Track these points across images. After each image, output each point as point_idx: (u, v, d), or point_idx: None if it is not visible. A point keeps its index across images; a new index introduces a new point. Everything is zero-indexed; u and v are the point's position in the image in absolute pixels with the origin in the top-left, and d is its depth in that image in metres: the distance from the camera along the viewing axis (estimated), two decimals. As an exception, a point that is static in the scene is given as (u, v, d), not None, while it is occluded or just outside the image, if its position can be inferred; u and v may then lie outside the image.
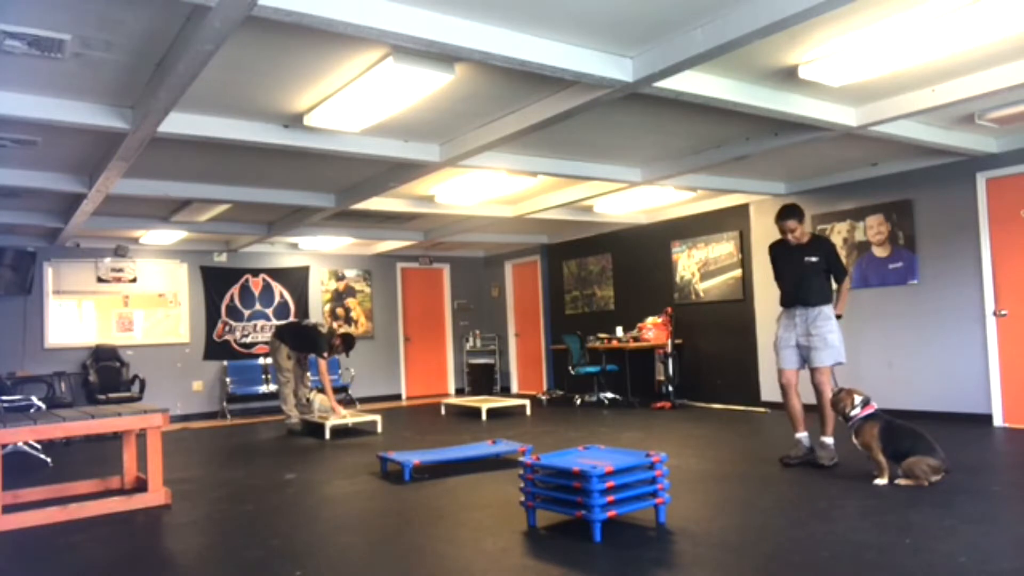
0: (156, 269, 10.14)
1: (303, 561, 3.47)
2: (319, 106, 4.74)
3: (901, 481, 4.41)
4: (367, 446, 6.97)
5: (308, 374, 8.49)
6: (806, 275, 5.19)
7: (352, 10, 3.29)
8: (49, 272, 9.38)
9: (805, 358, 5.20)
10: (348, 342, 8.37)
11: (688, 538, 3.59)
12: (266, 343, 10.51)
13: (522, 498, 3.91)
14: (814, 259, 5.20)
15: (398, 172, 6.40)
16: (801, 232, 5.27)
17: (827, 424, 5.10)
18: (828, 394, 5.06)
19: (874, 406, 4.66)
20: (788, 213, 5.23)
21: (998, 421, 6.57)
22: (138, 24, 3.51)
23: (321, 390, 8.28)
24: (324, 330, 8.28)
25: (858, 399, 4.66)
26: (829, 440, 5.09)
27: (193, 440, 8.07)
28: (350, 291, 11.76)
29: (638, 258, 10.20)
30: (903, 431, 4.52)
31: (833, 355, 5.12)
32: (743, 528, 3.75)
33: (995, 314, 6.60)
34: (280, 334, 8.34)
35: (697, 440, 6.55)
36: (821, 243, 5.33)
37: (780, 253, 5.37)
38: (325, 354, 8.05)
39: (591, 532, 3.56)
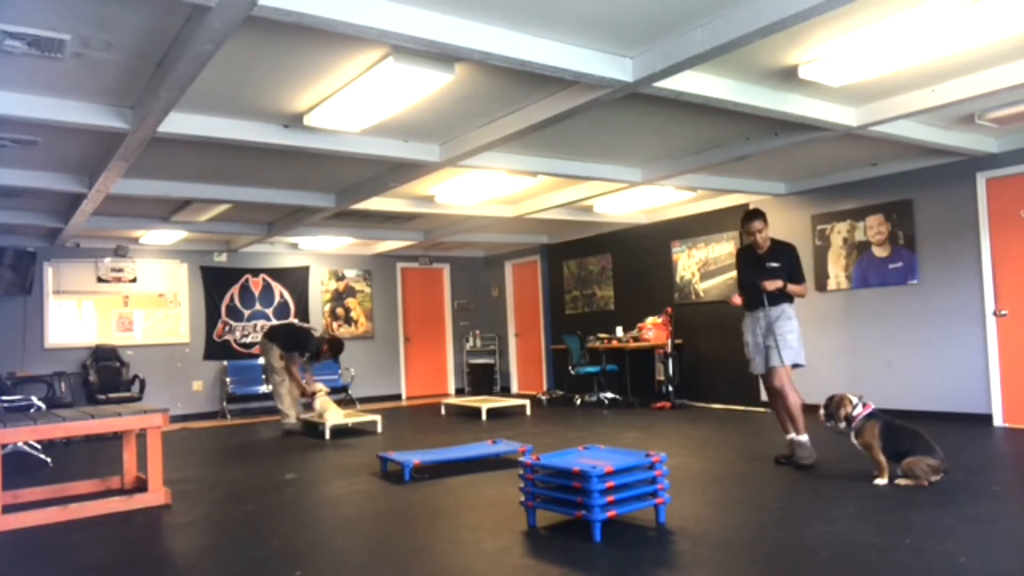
0: (156, 269, 10.13)
1: (303, 561, 3.47)
2: (319, 106, 4.73)
3: (901, 481, 4.41)
4: (367, 446, 6.97)
5: (310, 375, 8.51)
6: (767, 279, 5.19)
7: (352, 10, 3.29)
8: (49, 272, 9.38)
9: (767, 358, 5.25)
10: (335, 348, 8.35)
11: (688, 538, 3.59)
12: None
13: (522, 498, 3.91)
14: (776, 264, 5.23)
15: (398, 172, 6.40)
16: (766, 235, 5.32)
17: (796, 423, 5.12)
18: (791, 395, 5.11)
19: (871, 405, 4.66)
20: (755, 215, 5.30)
21: (998, 421, 6.57)
22: (138, 24, 3.51)
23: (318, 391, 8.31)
24: (317, 334, 8.30)
25: (855, 399, 4.65)
26: (803, 438, 5.10)
27: (193, 440, 8.07)
28: (350, 291, 11.76)
29: (638, 258, 10.20)
30: (903, 431, 4.52)
31: (790, 356, 5.14)
32: (743, 528, 3.75)
33: (995, 314, 6.60)
34: (271, 335, 8.37)
35: (697, 440, 6.55)
36: (784, 250, 5.35)
37: (746, 260, 5.43)
38: (307, 354, 8.14)
39: (591, 532, 3.56)
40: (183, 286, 10.33)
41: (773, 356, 5.17)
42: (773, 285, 5.15)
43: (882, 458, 4.48)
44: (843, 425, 4.66)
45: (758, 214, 5.30)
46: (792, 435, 5.19)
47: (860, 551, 3.26)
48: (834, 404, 4.71)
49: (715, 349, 9.09)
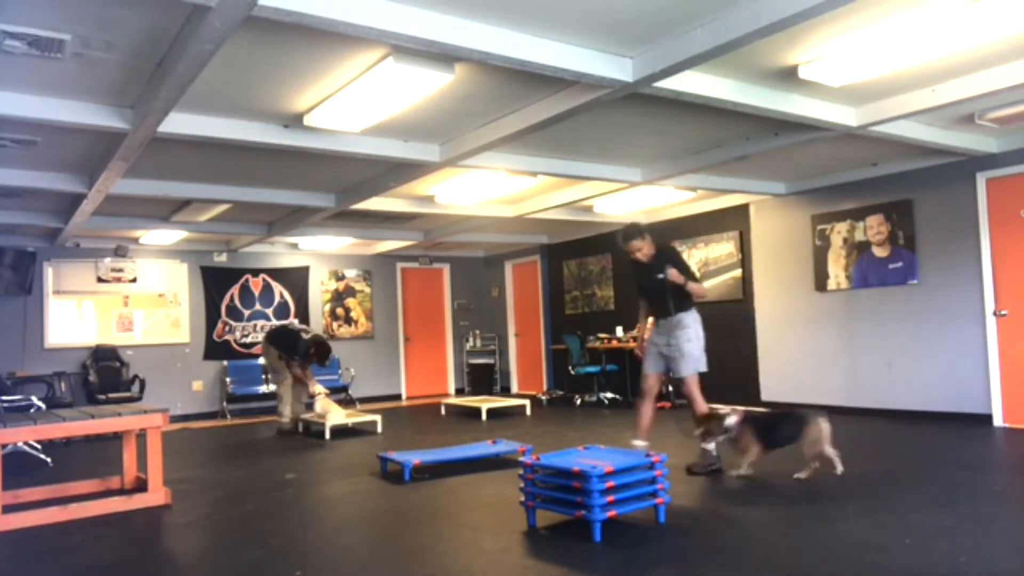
0: (156, 269, 10.13)
1: (303, 561, 3.47)
2: (319, 106, 4.73)
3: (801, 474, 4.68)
4: (367, 446, 6.97)
5: (311, 376, 8.51)
6: (660, 291, 5.22)
7: (352, 10, 3.29)
8: (49, 272, 9.38)
9: (670, 368, 5.34)
10: (322, 352, 8.27)
11: (688, 538, 3.59)
12: (266, 343, 10.53)
13: (522, 498, 3.91)
14: (661, 276, 5.19)
15: (398, 172, 6.40)
16: (647, 250, 5.26)
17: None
18: (700, 402, 5.23)
19: (741, 411, 5.01)
20: (629, 235, 5.23)
21: (998, 421, 6.56)
22: (138, 24, 3.51)
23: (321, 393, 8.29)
24: (308, 336, 8.30)
25: (725, 409, 4.99)
26: (710, 447, 5.16)
27: (193, 440, 8.07)
28: (350, 291, 11.76)
29: (638, 258, 10.18)
30: (773, 419, 4.96)
31: (692, 365, 5.22)
32: (743, 528, 3.75)
33: (995, 314, 6.60)
34: (270, 337, 8.45)
35: (697, 440, 6.53)
36: (665, 257, 5.29)
37: (638, 271, 5.42)
38: (297, 358, 8.14)
39: (591, 532, 3.57)
40: (183, 286, 10.32)
41: (675, 367, 5.26)
42: (677, 276, 5.09)
43: (752, 454, 4.84)
44: (722, 438, 4.98)
45: (632, 233, 5.22)
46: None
47: (860, 551, 3.26)
48: (714, 422, 4.98)
49: (715, 349, 9.04)
